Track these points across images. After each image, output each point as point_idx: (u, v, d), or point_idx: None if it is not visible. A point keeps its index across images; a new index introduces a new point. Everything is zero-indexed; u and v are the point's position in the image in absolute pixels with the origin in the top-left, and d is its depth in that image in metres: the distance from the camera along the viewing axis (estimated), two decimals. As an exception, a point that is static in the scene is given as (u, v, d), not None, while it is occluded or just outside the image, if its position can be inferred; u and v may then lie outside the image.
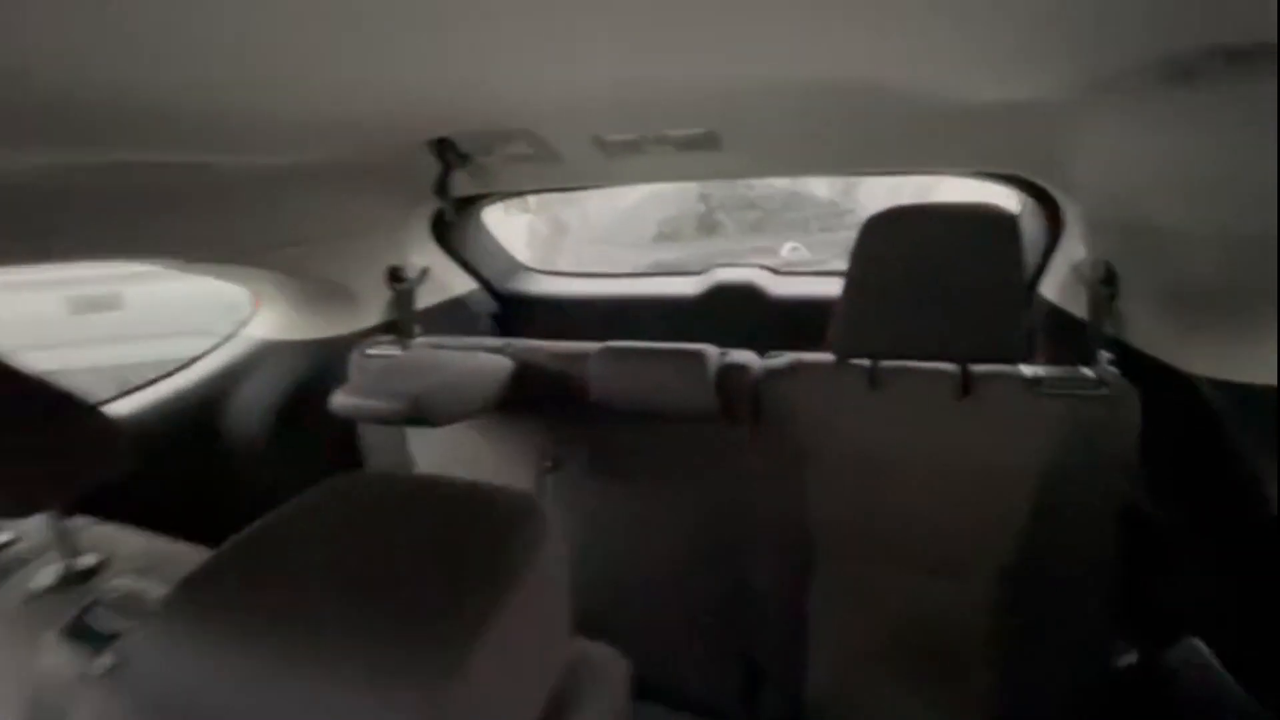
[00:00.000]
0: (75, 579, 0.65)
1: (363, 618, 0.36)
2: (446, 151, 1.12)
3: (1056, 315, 1.25)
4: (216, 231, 1.11)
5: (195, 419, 1.33)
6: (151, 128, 0.76)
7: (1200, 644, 0.95)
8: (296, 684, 0.34)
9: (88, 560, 0.67)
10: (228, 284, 1.36)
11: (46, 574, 0.65)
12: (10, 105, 0.59)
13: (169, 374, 1.37)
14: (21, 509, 0.63)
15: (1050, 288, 1.30)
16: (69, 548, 0.67)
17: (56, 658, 0.55)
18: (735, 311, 1.71)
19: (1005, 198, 1.37)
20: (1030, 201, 1.34)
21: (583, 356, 1.17)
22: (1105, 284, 1.03)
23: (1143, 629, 1.05)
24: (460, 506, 0.46)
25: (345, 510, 0.46)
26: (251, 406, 1.38)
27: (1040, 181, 1.22)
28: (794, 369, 1.06)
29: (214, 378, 1.37)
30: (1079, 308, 1.11)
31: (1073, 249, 1.19)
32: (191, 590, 0.39)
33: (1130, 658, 1.05)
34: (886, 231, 0.96)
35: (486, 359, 1.21)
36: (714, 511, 1.17)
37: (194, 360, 1.40)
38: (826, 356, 1.03)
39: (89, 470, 0.64)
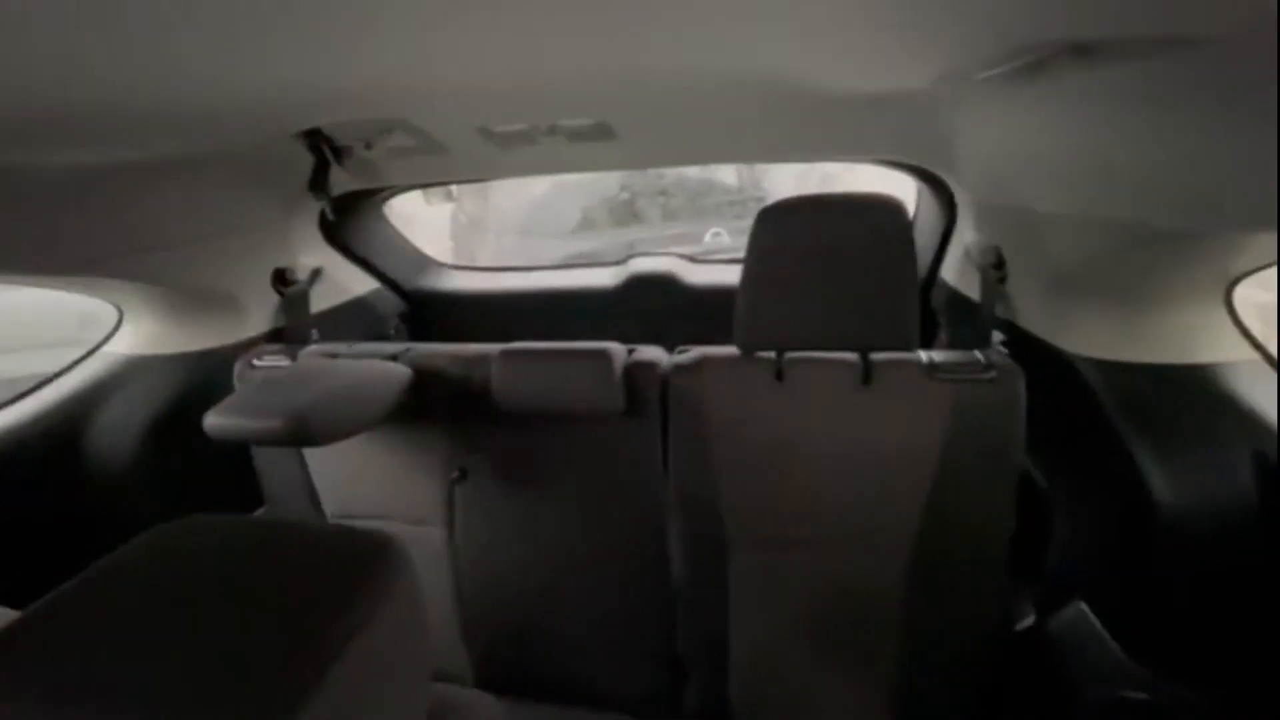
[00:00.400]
0: None
1: (184, 679, 0.31)
2: (320, 144, 1.03)
3: (956, 298, 1.29)
4: (62, 239, 0.98)
5: (51, 445, 1.19)
6: None
7: (1086, 608, 1.00)
8: None
9: None
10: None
11: None
12: None
13: (20, 395, 1.22)
14: None
15: (949, 271, 1.34)
16: None
17: None
18: (654, 301, 1.69)
19: (906, 184, 1.40)
20: (927, 188, 1.37)
21: (485, 359, 1.12)
22: (995, 267, 1.06)
23: (1034, 595, 1.10)
24: (304, 550, 0.41)
25: (175, 559, 0.40)
26: (118, 429, 1.25)
27: (931, 168, 1.25)
28: (700, 364, 1.05)
29: (72, 398, 1.22)
30: (975, 290, 1.15)
31: (966, 233, 1.23)
32: None
33: (1028, 623, 1.11)
34: (779, 224, 0.95)
35: (381, 367, 1.14)
36: (628, 509, 1.16)
37: (49, 379, 1.26)
38: (733, 350, 1.03)
39: None
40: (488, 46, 0.61)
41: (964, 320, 1.23)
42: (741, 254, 0.97)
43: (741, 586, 1.11)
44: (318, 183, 1.09)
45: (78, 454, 1.22)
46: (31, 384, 1.24)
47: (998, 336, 1.04)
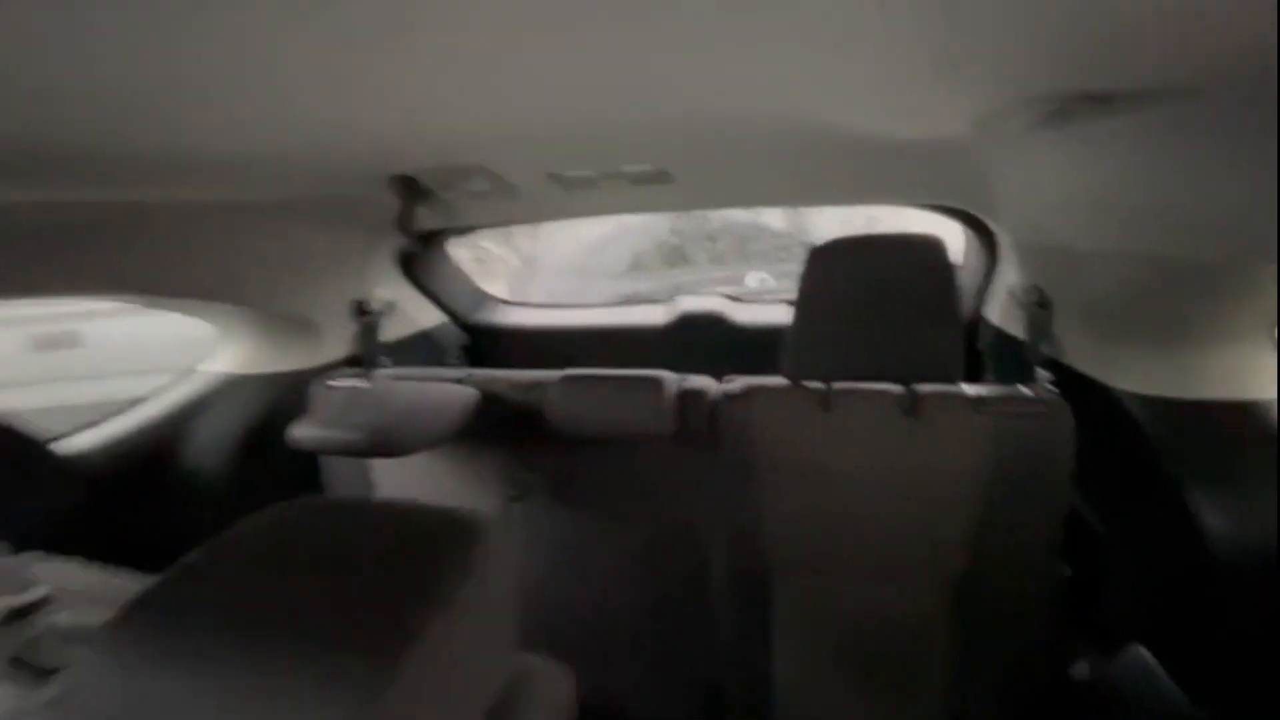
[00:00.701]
0: (19, 614, 0.64)
1: (297, 637, 0.37)
2: (408, 187, 1.15)
3: (1002, 337, 1.31)
4: (177, 267, 1.12)
5: (152, 454, 1.32)
6: (110, 165, 0.78)
7: (1145, 652, 0.98)
8: (230, 703, 0.35)
9: (33, 594, 0.67)
10: (193, 319, 1.37)
11: None
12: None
13: (126, 410, 1.36)
14: None
15: (994, 312, 1.36)
16: (15, 583, 0.67)
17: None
18: (701, 338, 1.75)
19: (948, 227, 1.45)
20: (970, 231, 1.41)
21: (543, 385, 1.19)
22: (1039, 306, 1.09)
23: (1091, 639, 1.08)
24: (403, 527, 0.47)
25: (286, 534, 0.47)
26: (211, 441, 1.37)
27: (973, 210, 1.29)
28: (749, 393, 1.10)
29: (172, 413, 1.36)
30: (1020, 329, 1.17)
31: (1009, 274, 1.26)
32: (129, 619, 0.39)
33: (1081, 667, 1.08)
34: (828, 261, 1.01)
35: (449, 389, 1.23)
36: (674, 533, 1.19)
37: (152, 396, 1.39)
38: (781, 380, 1.07)
39: (36, 505, 0.64)
40: (561, 97, 0.70)
41: (1010, 359, 1.25)
42: (785, 295, 1.03)
43: (784, 614, 1.12)
44: (404, 223, 1.20)
45: (175, 461, 1.34)
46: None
47: (1045, 375, 1.05)
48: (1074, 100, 0.57)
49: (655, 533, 1.21)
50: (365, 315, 1.52)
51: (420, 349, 1.71)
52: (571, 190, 1.18)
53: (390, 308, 1.58)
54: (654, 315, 1.84)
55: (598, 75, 0.62)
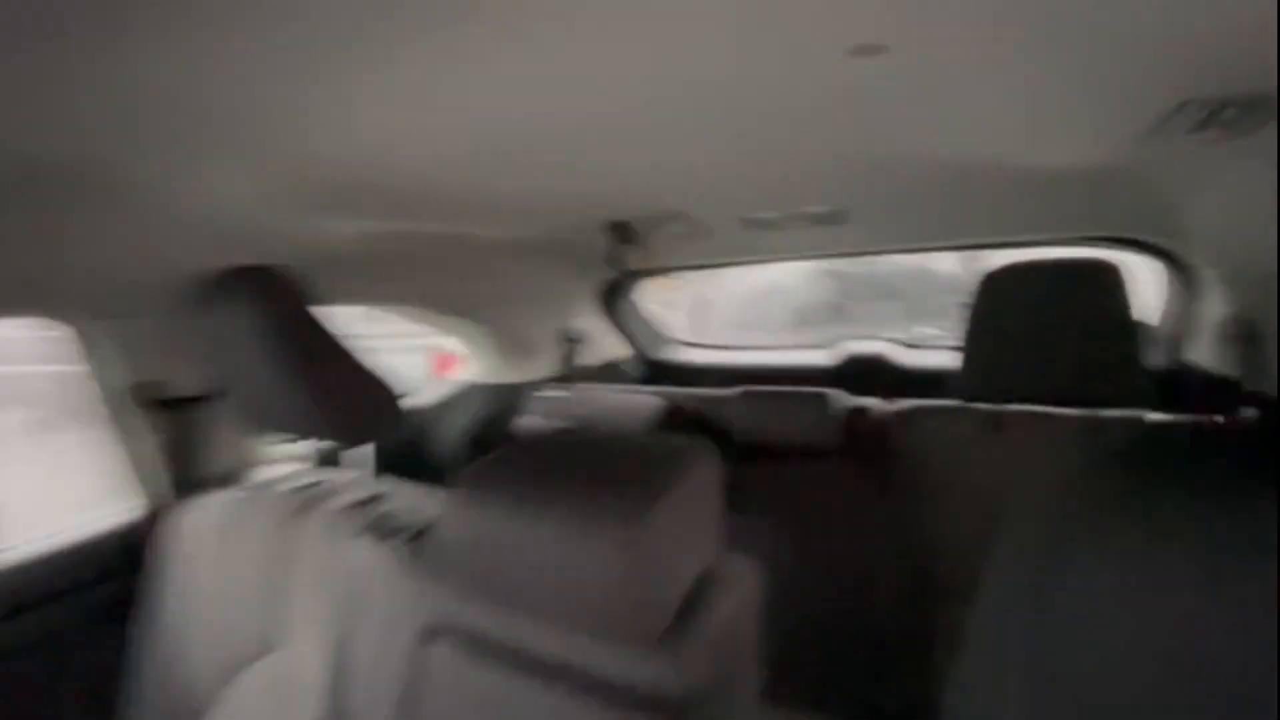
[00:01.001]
0: (371, 500, 0.91)
1: (580, 490, 0.56)
2: (619, 231, 1.41)
3: (1195, 371, 1.24)
4: (446, 289, 1.47)
5: (426, 426, 1.68)
6: (427, 202, 1.05)
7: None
8: (547, 528, 0.55)
9: (379, 488, 0.94)
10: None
11: (350, 496, 0.92)
12: (335, 187, 0.90)
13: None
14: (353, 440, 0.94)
15: (1191, 343, 1.29)
16: (369, 485, 0.94)
17: (362, 551, 0.80)
18: (866, 380, 1.81)
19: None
20: (1162, 263, 1.36)
21: (724, 400, 1.35)
22: (1246, 338, 1.04)
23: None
24: (638, 445, 0.66)
25: (544, 448, 0.67)
26: (453, 431, 1.71)
27: (1161, 241, 1.26)
28: (916, 412, 1.16)
29: (439, 403, 1.73)
30: (1219, 361, 1.11)
31: (1209, 305, 1.20)
32: (466, 486, 0.61)
33: None
34: (1002, 285, 1.05)
35: (640, 398, 1.44)
36: (840, 546, 1.25)
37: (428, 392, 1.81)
38: (951, 402, 1.13)
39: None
40: (749, 147, 0.84)
41: (1210, 394, 1.18)
42: (952, 342, 1.08)
43: (948, 632, 1.12)
44: (613, 262, 1.47)
45: (435, 433, 1.70)
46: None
47: (1247, 409, 1.00)
48: (1230, 105, 0.63)
49: (822, 543, 1.27)
50: (569, 342, 1.82)
51: (608, 377, 1.97)
52: (757, 232, 1.36)
53: (587, 338, 1.87)
54: (819, 357, 1.94)
55: (786, 122, 0.75)
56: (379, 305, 1.41)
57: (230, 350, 0.84)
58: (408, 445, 1.63)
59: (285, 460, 1.19)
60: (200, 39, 0.49)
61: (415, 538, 0.77)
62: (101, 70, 0.53)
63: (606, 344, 2.02)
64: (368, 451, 1.17)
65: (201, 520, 0.96)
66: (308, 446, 1.22)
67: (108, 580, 1.01)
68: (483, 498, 0.60)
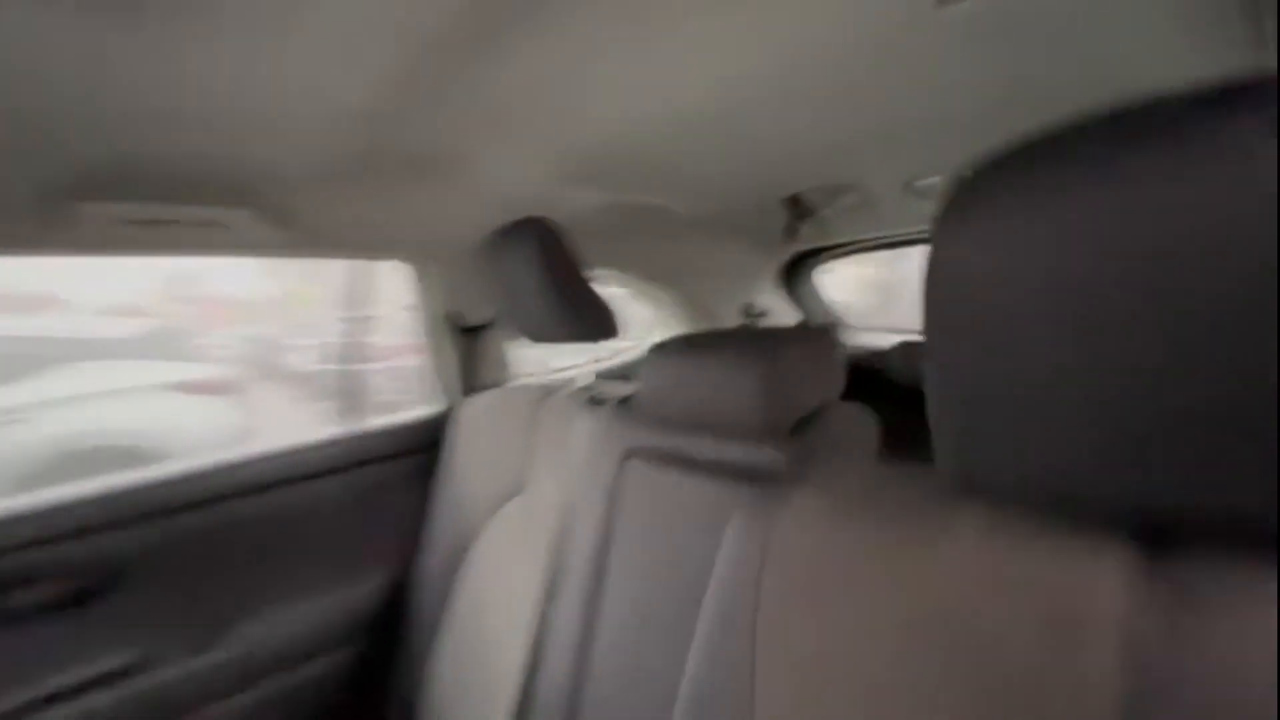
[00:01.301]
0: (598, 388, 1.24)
1: (734, 348, 0.79)
2: (795, 205, 1.60)
3: None
4: (648, 257, 1.78)
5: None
6: (636, 177, 1.30)
7: None
8: (704, 372, 0.80)
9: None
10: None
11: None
12: (588, 162, 1.15)
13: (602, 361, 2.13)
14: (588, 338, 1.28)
15: None
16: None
17: (585, 414, 1.10)
18: None
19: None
20: None
21: (883, 352, 1.48)
22: None
23: None
24: (775, 329, 0.88)
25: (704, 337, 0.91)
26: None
27: None
28: None
29: (626, 365, 2.07)
30: None
31: None
32: (650, 363, 0.89)
33: None
34: None
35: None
36: None
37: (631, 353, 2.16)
38: None
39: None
40: (916, 103, 0.93)
41: None
42: None
43: None
44: (789, 236, 1.66)
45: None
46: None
47: None
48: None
49: None
50: (751, 317, 2.04)
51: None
52: (923, 200, 1.46)
53: (765, 313, 2.07)
54: None
55: (948, 67, 0.80)
56: (598, 267, 1.76)
57: (514, 280, 1.19)
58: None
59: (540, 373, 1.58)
60: (527, 49, 0.70)
61: (623, 402, 1.06)
62: (469, 75, 0.74)
63: (786, 321, 2.19)
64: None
65: (481, 409, 1.36)
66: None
67: (420, 452, 1.47)
68: (659, 364, 0.88)
